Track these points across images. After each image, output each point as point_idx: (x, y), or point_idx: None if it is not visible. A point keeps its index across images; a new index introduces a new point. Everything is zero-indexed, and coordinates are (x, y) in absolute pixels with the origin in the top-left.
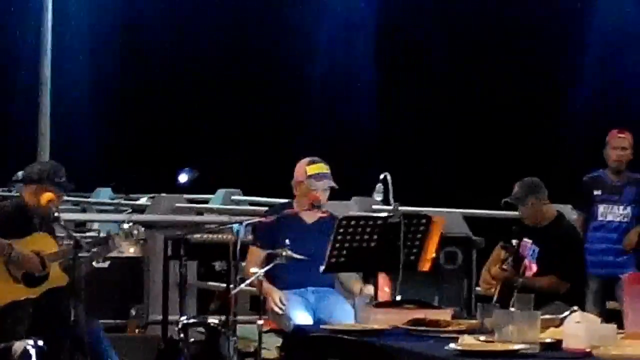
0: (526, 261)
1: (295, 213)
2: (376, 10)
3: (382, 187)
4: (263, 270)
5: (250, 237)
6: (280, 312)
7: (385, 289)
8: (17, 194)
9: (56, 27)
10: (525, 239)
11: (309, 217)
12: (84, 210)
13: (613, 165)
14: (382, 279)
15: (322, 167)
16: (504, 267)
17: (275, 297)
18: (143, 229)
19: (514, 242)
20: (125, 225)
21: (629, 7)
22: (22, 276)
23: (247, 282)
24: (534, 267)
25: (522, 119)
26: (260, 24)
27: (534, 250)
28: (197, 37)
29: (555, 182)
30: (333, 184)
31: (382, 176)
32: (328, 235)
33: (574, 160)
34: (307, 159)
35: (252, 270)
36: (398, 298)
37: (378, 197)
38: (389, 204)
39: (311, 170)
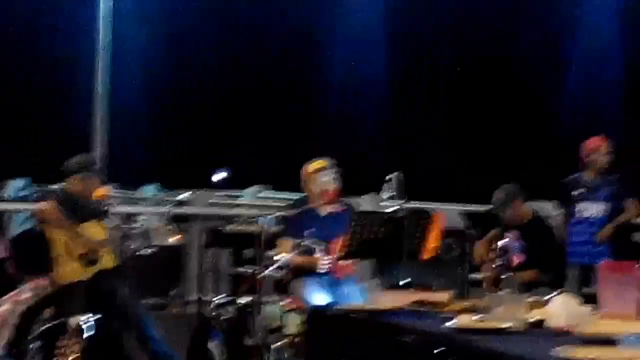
0: (511, 254)
1: (314, 207)
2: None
3: (390, 185)
4: (288, 257)
5: (276, 228)
6: (329, 266)
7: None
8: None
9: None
10: (510, 235)
11: (323, 210)
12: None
13: (602, 168)
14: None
15: (321, 163)
16: (494, 266)
17: (316, 259)
18: (175, 223)
19: (499, 243)
20: (163, 220)
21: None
22: (80, 256)
23: (274, 267)
24: (521, 258)
25: (516, 124)
26: (284, 28)
27: (519, 244)
28: (233, 45)
29: (540, 180)
30: (334, 174)
31: (388, 177)
32: (344, 226)
33: (559, 161)
34: (307, 162)
35: (277, 257)
36: (404, 282)
37: (385, 194)
38: (398, 200)
39: (312, 168)
